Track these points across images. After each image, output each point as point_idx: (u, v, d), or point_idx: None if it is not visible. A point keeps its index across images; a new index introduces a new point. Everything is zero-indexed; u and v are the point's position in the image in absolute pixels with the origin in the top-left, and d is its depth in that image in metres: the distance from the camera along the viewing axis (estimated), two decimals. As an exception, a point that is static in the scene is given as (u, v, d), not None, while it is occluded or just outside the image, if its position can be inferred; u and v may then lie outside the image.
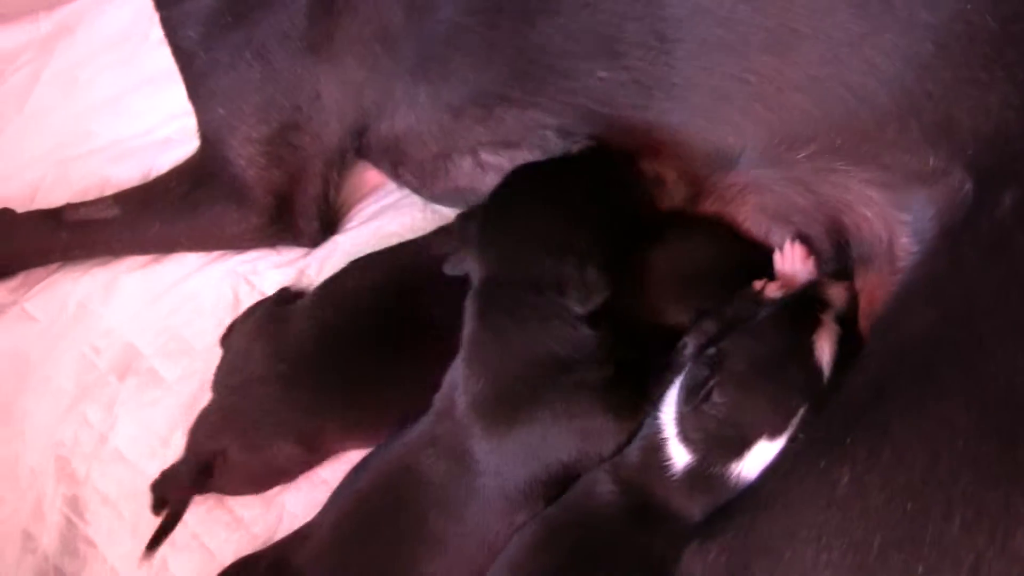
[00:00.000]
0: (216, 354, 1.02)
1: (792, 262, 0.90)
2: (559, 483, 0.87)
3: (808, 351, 0.77)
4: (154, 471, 1.00)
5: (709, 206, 0.94)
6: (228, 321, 1.04)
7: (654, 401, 0.85)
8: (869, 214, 0.84)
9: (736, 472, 0.77)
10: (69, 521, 1.00)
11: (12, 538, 1.00)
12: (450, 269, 0.91)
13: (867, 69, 0.81)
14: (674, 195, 0.94)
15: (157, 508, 0.95)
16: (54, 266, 1.15)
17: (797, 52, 0.83)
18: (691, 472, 0.79)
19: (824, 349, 0.77)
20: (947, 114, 0.78)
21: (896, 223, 0.82)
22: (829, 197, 0.86)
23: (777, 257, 0.91)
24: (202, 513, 0.97)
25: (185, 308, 1.08)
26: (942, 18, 0.77)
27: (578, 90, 0.93)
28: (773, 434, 0.76)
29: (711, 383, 0.78)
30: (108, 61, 1.26)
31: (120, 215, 1.12)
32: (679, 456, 0.79)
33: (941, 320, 0.71)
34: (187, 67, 1.10)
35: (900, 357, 0.72)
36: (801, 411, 0.76)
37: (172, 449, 1.02)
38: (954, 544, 0.62)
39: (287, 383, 0.95)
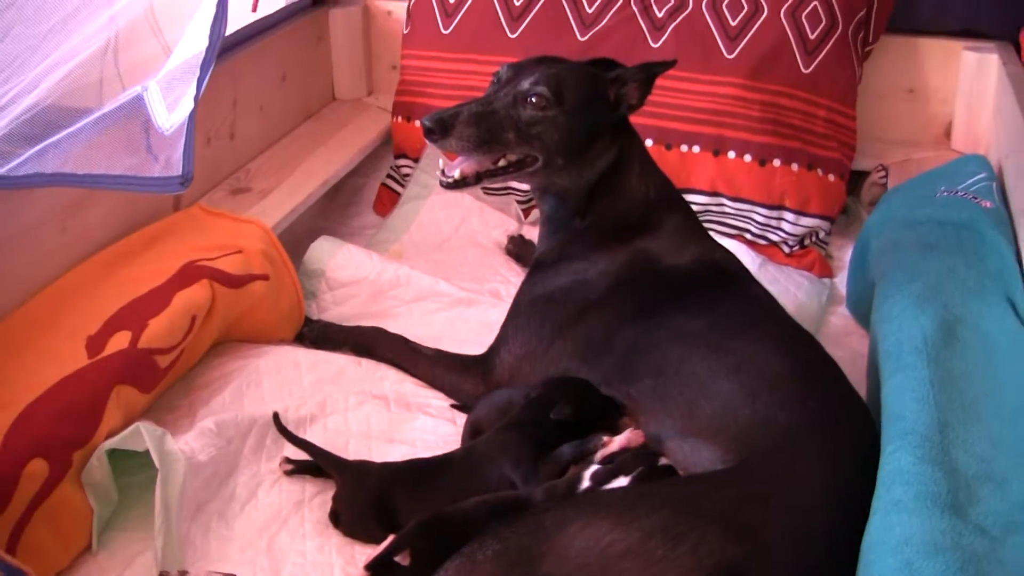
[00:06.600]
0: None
1: (633, 435, 1.71)
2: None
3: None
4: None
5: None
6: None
7: (545, 468, 1.69)
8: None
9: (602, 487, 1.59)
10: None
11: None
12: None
13: (731, 420, 1.64)
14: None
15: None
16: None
17: (716, 400, 1.68)
18: (586, 489, 1.60)
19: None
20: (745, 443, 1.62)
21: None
22: (688, 456, 1.65)
23: (629, 432, 1.72)
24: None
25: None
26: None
27: (635, 386, 1.79)
28: (624, 477, 1.59)
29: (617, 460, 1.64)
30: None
31: (435, 355, 2.09)
32: (585, 484, 1.61)
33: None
34: (516, 301, 2.02)
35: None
36: (632, 476, 1.59)
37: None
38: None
39: None
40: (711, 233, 2.14)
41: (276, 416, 1.85)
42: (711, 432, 1.66)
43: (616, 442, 1.69)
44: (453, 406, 2.03)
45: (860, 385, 1.84)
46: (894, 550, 1.33)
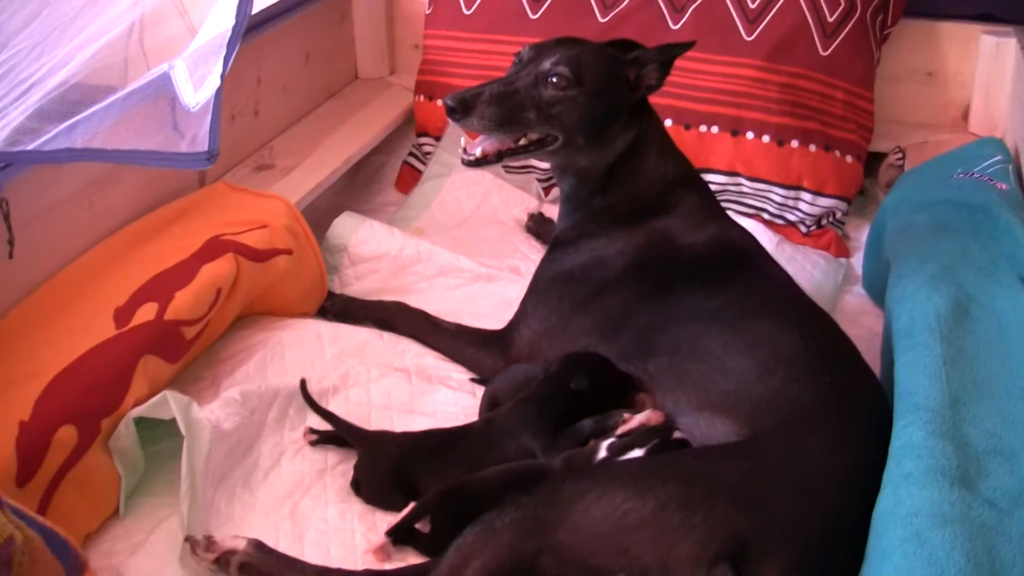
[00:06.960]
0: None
1: (652, 415, 1.74)
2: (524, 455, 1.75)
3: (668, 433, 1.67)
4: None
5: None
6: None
7: (564, 441, 1.73)
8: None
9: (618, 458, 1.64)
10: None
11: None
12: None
13: (746, 396, 1.69)
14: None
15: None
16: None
17: (731, 377, 1.72)
18: (602, 460, 1.65)
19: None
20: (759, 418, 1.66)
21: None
22: (704, 431, 1.70)
23: (649, 411, 1.75)
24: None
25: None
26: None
27: (652, 362, 1.83)
28: (639, 449, 1.63)
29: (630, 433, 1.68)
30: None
31: (455, 329, 2.15)
32: (602, 454, 1.65)
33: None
34: (535, 277, 2.08)
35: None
36: (647, 448, 1.63)
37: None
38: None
39: None
40: (729, 213, 2.18)
41: (303, 383, 1.90)
42: (726, 407, 1.70)
43: (636, 419, 1.72)
44: (473, 379, 2.07)
45: (875, 364, 1.88)
46: (904, 521, 1.36)
